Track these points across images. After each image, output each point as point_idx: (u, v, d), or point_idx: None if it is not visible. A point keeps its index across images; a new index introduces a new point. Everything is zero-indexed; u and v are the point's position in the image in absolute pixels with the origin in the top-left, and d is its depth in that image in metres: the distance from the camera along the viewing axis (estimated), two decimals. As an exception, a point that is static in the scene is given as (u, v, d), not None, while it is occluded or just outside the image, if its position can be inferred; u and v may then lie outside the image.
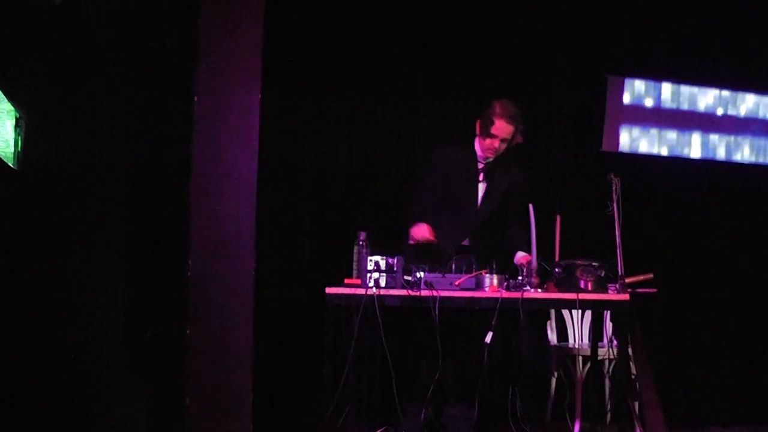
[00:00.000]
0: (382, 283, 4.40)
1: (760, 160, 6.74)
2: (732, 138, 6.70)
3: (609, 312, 5.30)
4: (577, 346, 5.40)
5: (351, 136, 5.91)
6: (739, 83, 6.67)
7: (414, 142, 5.96)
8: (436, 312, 4.33)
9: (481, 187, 5.08)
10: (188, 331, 4.18)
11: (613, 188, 4.76)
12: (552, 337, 5.67)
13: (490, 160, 5.05)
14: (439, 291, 4.38)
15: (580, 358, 5.33)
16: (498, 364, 5.67)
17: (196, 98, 4.24)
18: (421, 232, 4.84)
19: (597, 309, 5.17)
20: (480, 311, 4.53)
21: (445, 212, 5.05)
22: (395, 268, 4.43)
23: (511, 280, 4.54)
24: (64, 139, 4.54)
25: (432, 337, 4.37)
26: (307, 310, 5.42)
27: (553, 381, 5.53)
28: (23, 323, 4.34)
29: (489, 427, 5.13)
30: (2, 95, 4.22)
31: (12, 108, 4.27)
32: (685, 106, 6.59)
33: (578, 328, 5.57)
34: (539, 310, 5.54)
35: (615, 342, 4.83)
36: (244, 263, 4.29)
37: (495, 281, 4.48)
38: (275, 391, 5.30)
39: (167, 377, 4.46)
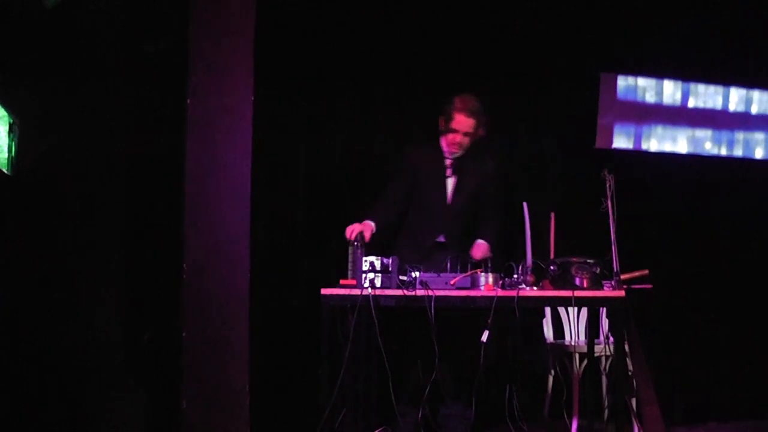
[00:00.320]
0: (378, 283, 4.41)
1: (752, 155, 6.75)
2: (725, 133, 6.71)
3: (605, 309, 5.30)
4: (573, 344, 5.40)
5: (347, 136, 5.91)
6: (731, 79, 6.67)
7: (412, 141, 5.96)
8: (432, 311, 4.33)
9: (450, 183, 5.13)
10: (184, 333, 4.18)
11: (607, 185, 4.76)
12: (548, 334, 5.67)
13: (457, 155, 5.08)
14: (434, 291, 4.38)
15: (577, 355, 5.33)
16: (494, 362, 5.70)
17: (188, 100, 4.24)
18: (351, 233, 4.71)
19: (593, 306, 5.17)
20: (476, 310, 4.54)
21: (419, 210, 5.11)
22: (390, 269, 4.43)
23: (506, 279, 4.55)
24: (58, 144, 4.53)
25: (428, 337, 4.38)
26: (303, 310, 5.42)
27: (550, 379, 5.52)
28: (21, 326, 4.34)
29: (486, 426, 5.14)
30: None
31: (5, 113, 4.27)
32: (678, 103, 6.60)
33: (574, 325, 5.58)
34: (535, 308, 5.54)
35: (611, 339, 4.84)
36: (240, 264, 4.30)
37: (490, 280, 4.48)
38: (272, 393, 5.30)
39: (165, 379, 4.45)
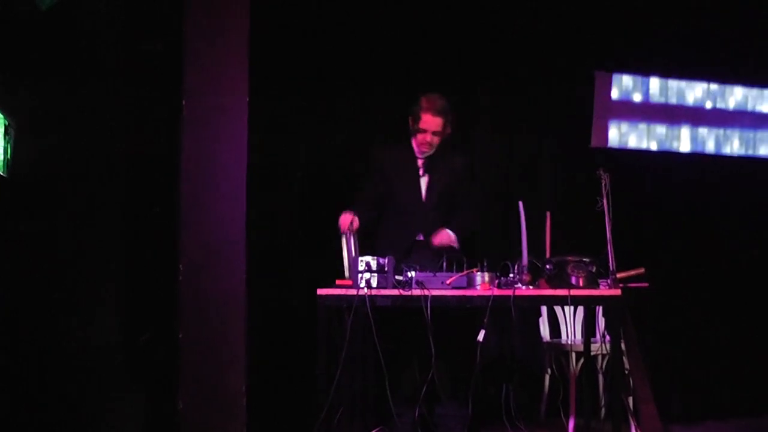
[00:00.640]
0: (374, 283, 4.40)
1: (749, 152, 6.76)
2: (721, 131, 6.72)
3: (601, 307, 5.31)
4: (570, 343, 5.41)
5: (343, 135, 5.90)
6: (727, 76, 6.68)
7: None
8: (428, 311, 4.33)
9: (424, 181, 5.16)
10: (181, 334, 4.18)
11: (603, 184, 4.76)
12: (545, 333, 5.67)
13: (428, 153, 5.13)
14: (430, 290, 4.38)
15: (573, 354, 5.34)
16: (491, 362, 5.70)
17: (184, 101, 4.24)
18: (345, 221, 4.78)
19: (589, 305, 5.17)
20: (472, 310, 4.54)
21: (395, 210, 5.14)
22: (386, 268, 4.43)
23: (502, 278, 4.54)
24: (54, 145, 4.53)
25: (424, 337, 4.38)
26: (299, 311, 5.42)
27: (547, 378, 5.53)
28: (19, 328, 4.34)
29: (483, 425, 5.14)
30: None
31: (0, 116, 4.27)
32: (673, 101, 6.61)
33: (571, 324, 5.58)
34: (531, 307, 5.54)
35: (607, 337, 4.84)
36: (236, 265, 4.30)
37: (486, 279, 4.48)
38: (269, 393, 5.30)
39: (162, 379, 4.45)
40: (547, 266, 4.61)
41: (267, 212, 5.60)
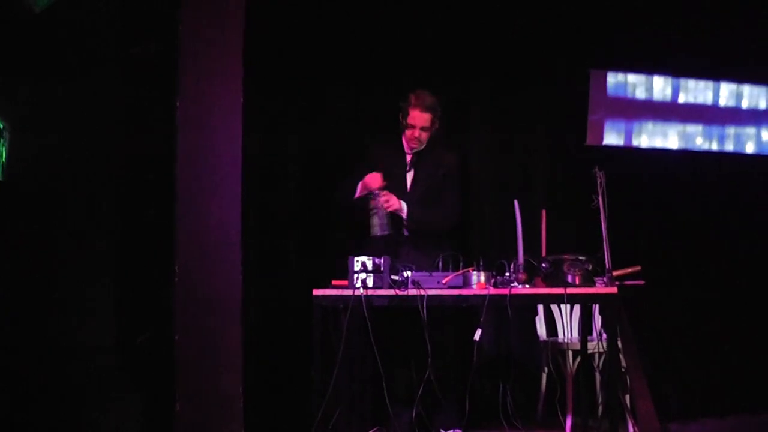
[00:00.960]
0: (370, 283, 4.41)
1: (743, 149, 6.76)
2: (716, 128, 6.72)
3: (597, 305, 5.31)
4: (566, 341, 5.41)
5: (339, 134, 5.89)
6: (721, 73, 6.68)
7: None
8: (424, 311, 4.33)
9: (410, 176, 5.22)
10: (177, 335, 4.17)
11: (598, 182, 4.76)
12: (541, 332, 5.67)
13: (417, 149, 5.20)
14: (426, 290, 4.38)
15: (570, 352, 5.34)
16: (488, 361, 5.70)
17: (178, 102, 4.23)
18: (375, 180, 5.01)
19: (585, 303, 5.17)
20: (468, 309, 4.54)
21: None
22: (382, 268, 4.43)
23: (498, 277, 4.55)
24: (49, 147, 4.53)
25: (421, 336, 4.38)
26: (295, 311, 5.41)
27: (544, 376, 5.53)
28: (14, 330, 4.33)
29: (480, 424, 5.14)
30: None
31: (-6, 119, 4.27)
32: (668, 98, 6.60)
33: (567, 322, 5.58)
34: (528, 306, 5.54)
35: (604, 335, 4.84)
36: (232, 265, 4.29)
37: (482, 278, 4.48)
38: (266, 394, 5.30)
39: (158, 381, 4.45)
40: (543, 265, 4.62)
41: (263, 212, 5.59)
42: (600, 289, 4.57)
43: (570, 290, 4.48)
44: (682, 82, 6.63)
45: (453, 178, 5.26)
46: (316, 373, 4.40)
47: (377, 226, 5.09)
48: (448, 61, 6.07)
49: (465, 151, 5.77)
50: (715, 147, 6.71)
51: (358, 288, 4.39)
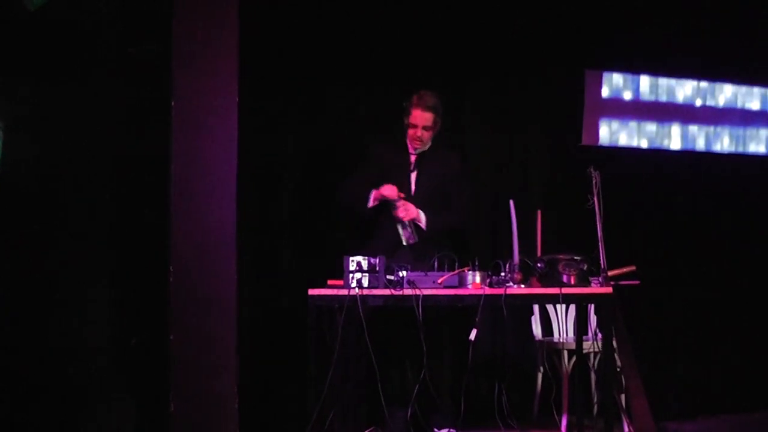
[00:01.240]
0: (365, 283, 4.41)
1: (739, 149, 6.77)
2: (711, 128, 6.72)
3: (593, 305, 5.31)
4: (562, 341, 5.41)
5: (335, 135, 5.88)
6: (716, 74, 6.69)
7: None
8: (420, 310, 4.33)
9: (413, 176, 5.21)
10: (172, 336, 4.17)
11: (594, 182, 4.77)
12: (537, 332, 5.67)
13: (420, 149, 5.20)
14: (421, 290, 4.38)
15: (566, 352, 5.34)
16: (483, 361, 5.70)
17: (173, 102, 4.23)
18: (391, 191, 5.01)
19: (581, 303, 5.17)
20: (464, 309, 4.54)
21: (384, 205, 5.13)
22: (377, 268, 4.43)
23: (493, 277, 4.55)
24: (44, 147, 4.52)
25: (416, 336, 4.38)
26: (291, 311, 5.41)
27: (539, 376, 5.53)
28: (7, 330, 4.32)
29: (476, 424, 5.14)
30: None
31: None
32: (663, 98, 6.61)
33: (563, 322, 5.58)
34: (523, 306, 5.54)
35: (599, 335, 4.84)
36: (227, 265, 4.29)
37: (477, 278, 4.48)
38: (261, 394, 5.29)
39: (153, 382, 4.44)
40: (539, 264, 4.62)
41: (258, 213, 5.58)
42: (595, 289, 4.58)
43: (565, 290, 4.48)
44: (678, 82, 6.63)
45: (459, 178, 5.26)
46: (312, 373, 4.39)
47: (406, 236, 5.10)
48: (444, 61, 6.06)
49: (460, 150, 5.76)
50: (710, 147, 6.71)
51: (354, 288, 4.39)
